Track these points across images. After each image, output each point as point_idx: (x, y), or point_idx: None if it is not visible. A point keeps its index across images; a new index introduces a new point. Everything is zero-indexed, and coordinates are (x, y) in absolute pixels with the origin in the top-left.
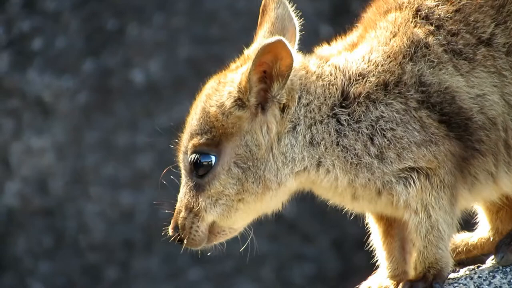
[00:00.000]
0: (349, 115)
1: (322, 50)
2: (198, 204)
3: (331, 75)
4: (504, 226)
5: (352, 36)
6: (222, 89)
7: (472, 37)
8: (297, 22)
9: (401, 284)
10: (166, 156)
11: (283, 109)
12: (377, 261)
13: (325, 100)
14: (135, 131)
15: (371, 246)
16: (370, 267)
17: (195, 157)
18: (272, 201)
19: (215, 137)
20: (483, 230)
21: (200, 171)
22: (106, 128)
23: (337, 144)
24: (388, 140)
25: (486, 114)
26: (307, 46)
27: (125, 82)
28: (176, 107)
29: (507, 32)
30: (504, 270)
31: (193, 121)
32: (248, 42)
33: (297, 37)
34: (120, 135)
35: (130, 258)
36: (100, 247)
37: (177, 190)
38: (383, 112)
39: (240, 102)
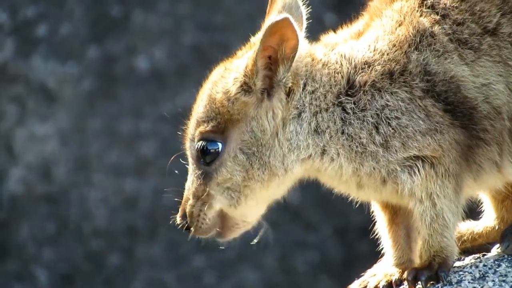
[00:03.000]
0: (354, 103)
1: (328, 38)
2: (206, 192)
3: (336, 63)
4: (509, 215)
5: (358, 25)
6: (228, 75)
7: (478, 27)
8: (304, 11)
9: (406, 272)
10: (170, 144)
11: (289, 94)
12: (381, 249)
13: (330, 88)
14: (139, 118)
15: (375, 234)
16: (374, 255)
17: (202, 145)
18: (279, 188)
19: (221, 124)
20: (489, 219)
21: (207, 158)
22: (110, 115)
23: (342, 133)
24: (393, 128)
25: (491, 103)
26: (312, 34)
27: (129, 69)
28: (181, 94)
29: None
30: (509, 258)
31: (199, 108)
32: (252, 29)
33: (304, 25)
34: (124, 122)
35: (133, 245)
36: (103, 234)
37: (181, 177)
38: (388, 101)
39: (246, 87)
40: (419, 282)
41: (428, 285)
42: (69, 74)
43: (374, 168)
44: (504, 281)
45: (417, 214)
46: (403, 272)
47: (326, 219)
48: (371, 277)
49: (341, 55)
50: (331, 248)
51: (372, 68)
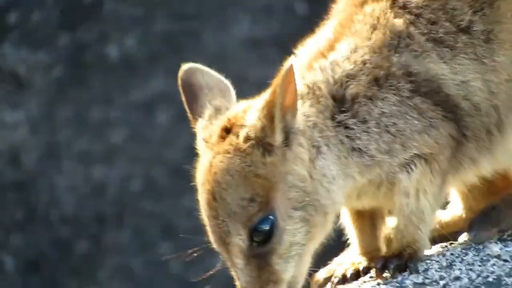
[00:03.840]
0: (354, 117)
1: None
2: (272, 272)
3: (313, 89)
4: (477, 204)
5: (327, 32)
6: (238, 152)
7: (452, 25)
8: (225, 80)
9: (375, 261)
10: (139, 131)
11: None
12: (347, 238)
13: (322, 114)
14: (110, 106)
15: (341, 224)
16: (340, 244)
17: (254, 232)
18: (330, 225)
19: (262, 197)
20: (456, 208)
21: (263, 239)
22: (81, 102)
23: (353, 150)
24: (393, 135)
25: (471, 100)
26: (284, 24)
27: (100, 57)
28: (151, 82)
29: (484, 19)
30: (476, 247)
31: (225, 202)
32: (223, 18)
33: (233, 94)
34: (94, 109)
35: (101, 232)
36: (71, 221)
37: (147, 163)
38: (382, 108)
39: (268, 147)
40: (387, 271)
41: (396, 274)
42: (40, 61)
43: (378, 175)
44: (471, 269)
45: (398, 205)
46: (370, 261)
47: None
48: (338, 266)
49: (313, 82)
50: None
51: (358, 79)
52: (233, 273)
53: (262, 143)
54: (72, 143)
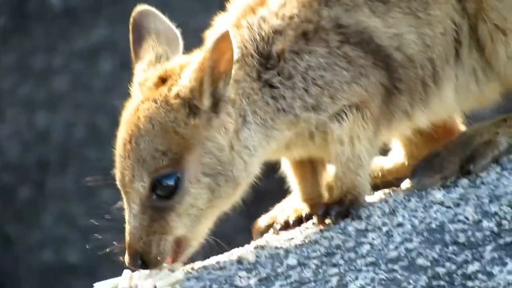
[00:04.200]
0: (279, 74)
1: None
2: (164, 225)
3: (241, 49)
4: (418, 151)
5: None
6: (165, 105)
7: None
8: (176, 30)
9: (317, 207)
10: (82, 78)
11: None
12: (289, 186)
13: (249, 76)
14: (53, 54)
15: (282, 171)
16: (282, 191)
17: (157, 183)
18: (238, 196)
19: (175, 154)
20: (398, 155)
21: (165, 194)
22: (24, 51)
23: (278, 110)
24: (320, 87)
25: (404, 52)
26: None
27: (43, 6)
28: (94, 30)
29: None
30: (419, 194)
31: (138, 148)
32: None
33: (181, 44)
34: (37, 57)
35: (44, 178)
36: (15, 167)
37: (91, 110)
38: (309, 61)
39: (195, 109)
40: (329, 217)
41: (338, 220)
42: None
43: (304, 128)
44: (414, 216)
45: (334, 153)
46: (312, 207)
47: None
48: (280, 212)
49: (242, 42)
50: None
51: (284, 35)
52: (126, 216)
53: (189, 104)
54: (15, 91)
